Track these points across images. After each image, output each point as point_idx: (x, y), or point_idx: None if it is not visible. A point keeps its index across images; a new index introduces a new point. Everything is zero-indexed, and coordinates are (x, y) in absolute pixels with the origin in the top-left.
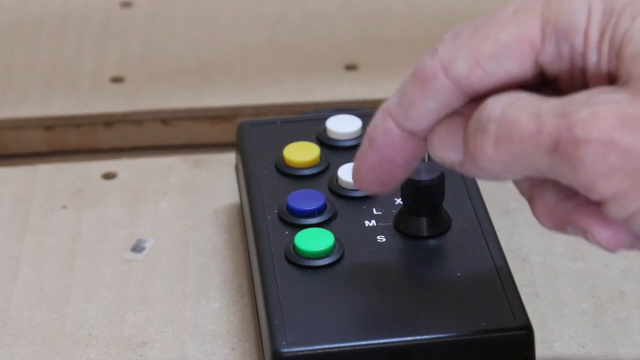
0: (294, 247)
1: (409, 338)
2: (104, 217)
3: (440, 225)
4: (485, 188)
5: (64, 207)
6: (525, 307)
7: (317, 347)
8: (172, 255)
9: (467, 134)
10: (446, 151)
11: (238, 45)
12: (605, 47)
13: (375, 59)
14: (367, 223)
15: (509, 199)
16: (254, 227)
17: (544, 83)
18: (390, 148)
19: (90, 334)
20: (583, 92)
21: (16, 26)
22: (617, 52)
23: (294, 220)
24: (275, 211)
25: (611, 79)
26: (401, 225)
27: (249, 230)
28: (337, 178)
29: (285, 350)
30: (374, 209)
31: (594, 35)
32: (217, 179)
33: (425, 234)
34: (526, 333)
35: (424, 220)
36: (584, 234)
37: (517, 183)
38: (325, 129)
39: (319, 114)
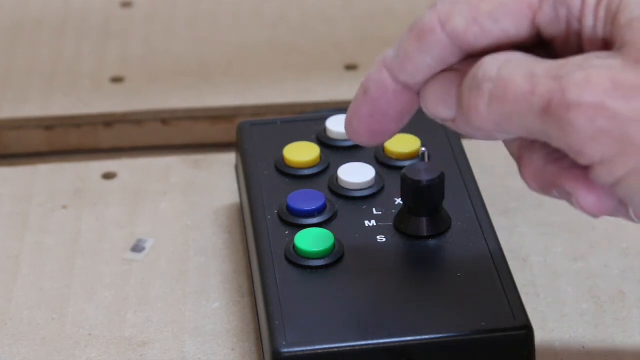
0: (294, 247)
1: (409, 338)
2: (104, 217)
3: (440, 225)
4: (485, 188)
5: (64, 207)
6: (525, 307)
7: (317, 347)
8: (172, 255)
9: (462, 91)
10: (439, 107)
11: (238, 45)
12: (601, 12)
13: (375, 59)
14: (367, 223)
15: (509, 199)
16: (254, 227)
17: (540, 45)
18: (384, 100)
19: (90, 334)
20: (578, 56)
21: (16, 26)
22: (613, 17)
23: (294, 220)
24: (275, 211)
25: (606, 44)
26: (401, 225)
27: (249, 230)
28: (337, 178)
29: (285, 350)
30: (374, 209)
31: (591, 0)
32: (217, 179)
33: (425, 234)
34: (526, 333)
35: (424, 220)
36: (569, 197)
37: (506, 143)
38: (325, 129)
39: (319, 114)
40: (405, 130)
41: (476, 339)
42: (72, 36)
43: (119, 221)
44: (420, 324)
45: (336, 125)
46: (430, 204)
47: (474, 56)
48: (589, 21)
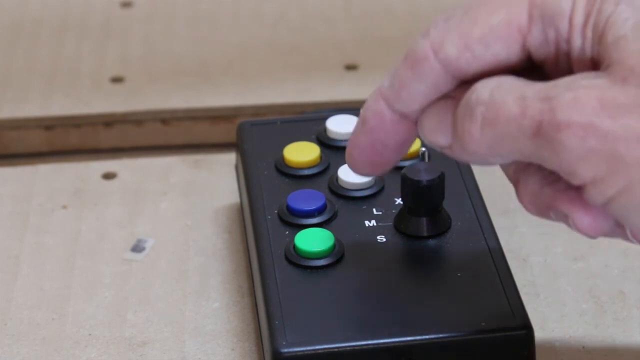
0: (294, 247)
1: (409, 338)
2: (104, 217)
3: (440, 225)
4: (485, 188)
5: (64, 207)
6: (525, 307)
7: (317, 347)
8: (172, 255)
9: (456, 117)
10: (436, 134)
11: (238, 45)
12: (589, 32)
13: (375, 59)
14: (367, 223)
15: (509, 199)
16: (254, 227)
17: (531, 68)
18: (382, 130)
19: (90, 334)
20: (567, 77)
21: (16, 26)
22: (600, 36)
23: (294, 220)
24: (275, 211)
25: (595, 64)
26: (401, 225)
27: (249, 230)
28: (337, 178)
29: (285, 350)
30: (374, 209)
31: (578, 20)
32: (217, 179)
33: (425, 234)
34: (526, 333)
35: (424, 220)
36: (566, 219)
37: (503, 167)
38: (325, 129)
39: (319, 114)
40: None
41: (476, 339)
42: (72, 36)
43: (119, 221)
44: (420, 324)
45: (336, 125)
46: (430, 204)
47: (467, 82)
48: (577, 42)
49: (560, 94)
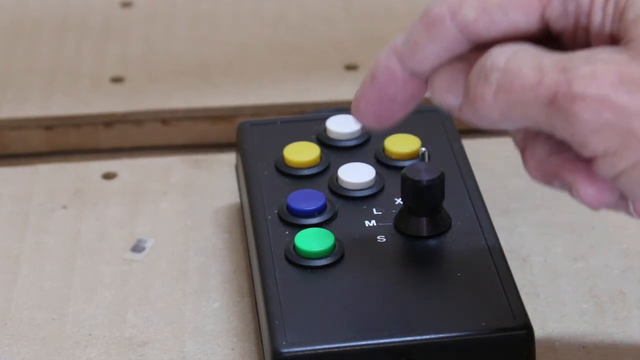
0: (294, 247)
1: (409, 338)
2: (104, 217)
3: (440, 225)
4: (485, 188)
5: (64, 207)
6: (525, 307)
7: (317, 347)
8: (172, 255)
9: (469, 80)
10: (446, 95)
11: (238, 45)
12: (610, 9)
13: (375, 59)
14: (367, 223)
15: (509, 199)
16: (254, 227)
17: (548, 38)
18: (392, 86)
19: (90, 334)
20: (586, 50)
21: (16, 26)
22: (620, 13)
23: (294, 220)
24: (275, 211)
25: (613, 40)
26: (401, 225)
27: (249, 230)
28: (337, 178)
29: (285, 350)
30: (374, 209)
31: None
32: (217, 179)
33: (425, 234)
34: (526, 333)
35: (424, 220)
36: (570, 189)
37: (512, 133)
38: (325, 129)
39: (319, 114)
40: (405, 130)
41: (476, 339)
42: (72, 36)
43: (119, 221)
44: (420, 324)
45: (336, 125)
46: (430, 204)
47: (482, 47)
48: (597, 17)
49: (578, 66)
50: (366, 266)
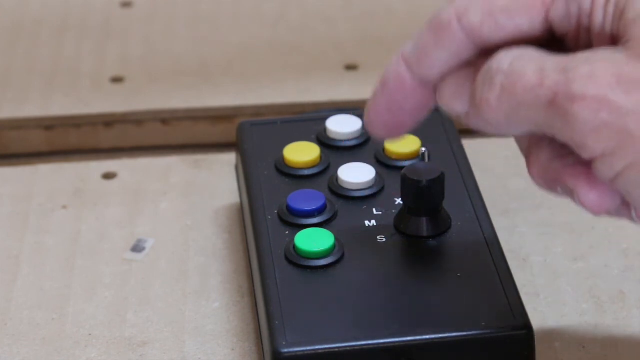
0: (294, 247)
1: (409, 338)
2: (104, 217)
3: (440, 225)
4: (485, 188)
5: (64, 207)
6: (525, 307)
7: (317, 347)
8: (172, 255)
9: (475, 85)
10: (454, 101)
11: (238, 45)
12: (610, 9)
13: (375, 59)
14: (367, 223)
15: (509, 199)
16: (254, 227)
17: (552, 41)
18: (401, 93)
19: (90, 334)
20: (586, 51)
21: (16, 26)
22: (620, 13)
23: (294, 220)
24: (275, 211)
25: (614, 40)
26: (401, 225)
27: (249, 230)
28: (337, 178)
29: (285, 350)
30: (374, 209)
31: None
32: (217, 179)
33: (425, 234)
34: (526, 333)
35: (424, 220)
36: (572, 194)
37: (517, 140)
38: (325, 129)
39: (319, 114)
40: (405, 134)
41: (476, 339)
42: (72, 36)
43: (119, 221)
44: (420, 324)
45: (336, 125)
46: (430, 204)
47: (488, 52)
48: (598, 17)
49: (578, 67)
50: (366, 266)
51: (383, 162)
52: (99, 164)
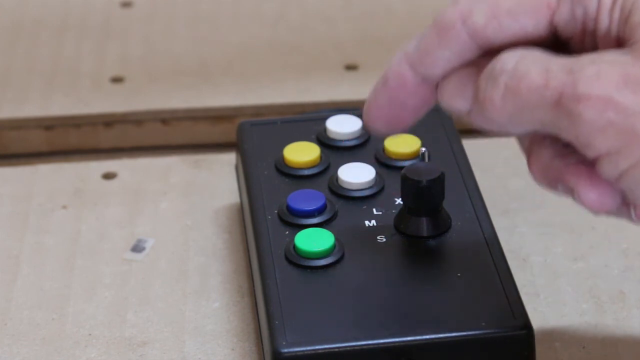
0: (294, 247)
1: (409, 338)
2: (104, 217)
3: (440, 225)
4: (485, 188)
5: (64, 207)
6: (525, 307)
7: (317, 347)
8: (172, 255)
9: (479, 83)
10: (455, 99)
11: (238, 45)
12: (616, 13)
13: (375, 59)
14: (367, 223)
15: (509, 199)
16: (254, 227)
17: (557, 44)
18: (402, 91)
19: (90, 334)
20: (592, 53)
21: (16, 26)
22: (626, 17)
23: (294, 220)
24: (275, 211)
25: (619, 43)
26: (401, 225)
27: (249, 230)
28: (337, 178)
29: (285, 350)
30: (374, 209)
31: (607, 1)
32: (217, 179)
33: (425, 234)
34: (526, 333)
35: (424, 220)
36: (572, 193)
37: (518, 138)
38: (325, 129)
39: (319, 114)
40: (405, 130)
41: (476, 339)
42: (72, 36)
43: (119, 221)
44: (420, 324)
45: (336, 125)
46: (430, 204)
47: (492, 52)
48: (604, 21)
49: (584, 68)
50: (366, 266)
51: (383, 162)
52: (99, 164)
